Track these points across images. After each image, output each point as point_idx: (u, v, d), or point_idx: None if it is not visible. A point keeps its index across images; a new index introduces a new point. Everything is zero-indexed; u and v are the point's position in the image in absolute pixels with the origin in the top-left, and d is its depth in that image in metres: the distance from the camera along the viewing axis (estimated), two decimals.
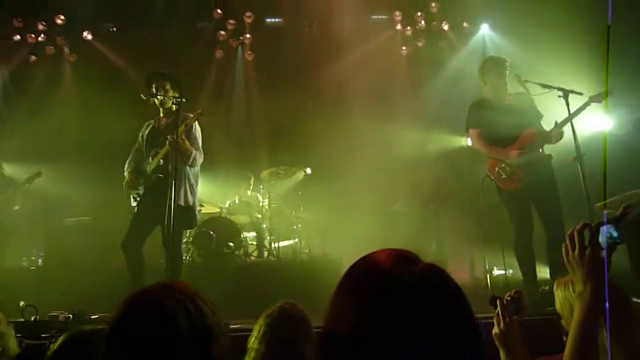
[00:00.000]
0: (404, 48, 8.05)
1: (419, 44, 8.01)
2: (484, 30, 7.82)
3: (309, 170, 6.99)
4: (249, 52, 8.08)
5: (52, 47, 7.78)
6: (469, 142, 5.76)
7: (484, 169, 4.33)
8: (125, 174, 4.41)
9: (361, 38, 7.67)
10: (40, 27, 7.68)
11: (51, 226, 6.09)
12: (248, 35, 8.02)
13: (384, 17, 8.09)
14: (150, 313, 1.21)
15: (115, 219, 5.03)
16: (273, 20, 8.12)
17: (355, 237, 6.32)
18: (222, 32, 7.96)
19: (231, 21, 7.93)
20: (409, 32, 8.02)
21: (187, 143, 4.17)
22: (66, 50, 7.88)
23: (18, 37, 7.69)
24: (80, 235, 5.81)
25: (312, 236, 6.84)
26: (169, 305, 1.22)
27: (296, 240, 6.66)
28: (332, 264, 5.79)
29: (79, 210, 6.24)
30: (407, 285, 0.88)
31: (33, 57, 7.73)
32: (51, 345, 1.58)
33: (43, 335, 2.95)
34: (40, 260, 6.08)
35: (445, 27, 7.90)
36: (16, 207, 5.34)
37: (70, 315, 3.21)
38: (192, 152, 4.20)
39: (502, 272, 5.45)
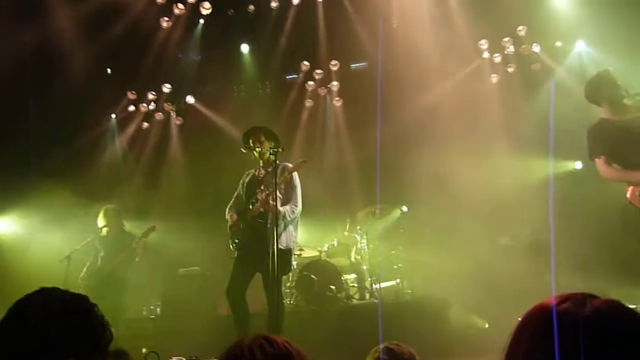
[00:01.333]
0: (493, 75, 7.84)
1: (510, 70, 7.75)
2: (580, 47, 7.40)
3: (405, 208, 6.89)
4: (337, 98, 8.34)
5: (160, 113, 8.62)
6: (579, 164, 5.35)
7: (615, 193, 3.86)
8: (228, 217, 4.67)
9: (448, 70, 7.61)
10: (150, 96, 8.57)
11: (166, 276, 6.55)
12: (335, 83, 8.30)
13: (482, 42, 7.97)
14: None
15: (222, 268, 5.29)
16: (358, 65, 8.34)
17: (460, 274, 6.06)
18: (311, 83, 8.33)
19: (318, 71, 8.28)
20: (498, 59, 7.81)
21: (272, 205, 4.24)
22: (173, 115, 8.68)
23: (132, 107, 8.63)
24: (191, 284, 6.18)
25: (414, 276, 6.65)
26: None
27: (398, 280, 6.52)
28: (437, 303, 5.58)
29: (190, 260, 6.65)
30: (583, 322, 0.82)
31: (145, 124, 8.59)
32: None
33: None
34: (158, 309, 6.52)
35: (537, 49, 7.59)
36: (137, 259, 5.83)
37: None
38: (279, 212, 4.32)
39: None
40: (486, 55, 7.81)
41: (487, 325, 5.89)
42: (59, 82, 7.26)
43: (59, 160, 7.07)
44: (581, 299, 0.86)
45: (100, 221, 5.88)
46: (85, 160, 7.62)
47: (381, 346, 2.07)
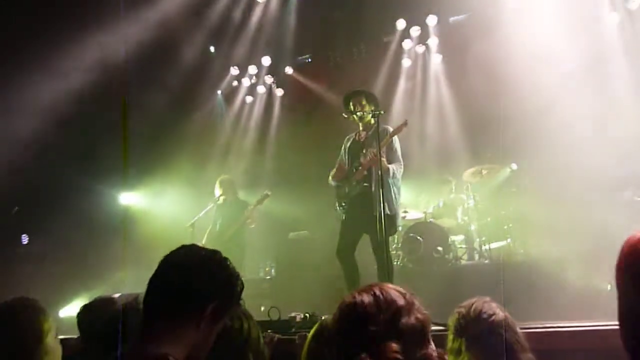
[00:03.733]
0: (614, 15, 6.99)
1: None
2: None
3: (514, 166, 6.57)
4: (437, 53, 8.04)
5: (262, 86, 8.95)
6: None
7: None
8: (332, 183, 4.80)
9: (561, 17, 6.94)
10: (251, 70, 8.91)
11: (278, 240, 6.96)
12: (433, 38, 7.99)
13: None
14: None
15: (329, 230, 5.49)
16: (457, 18, 7.93)
17: (578, 232, 5.69)
18: (408, 41, 8.10)
19: (415, 28, 8.01)
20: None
21: (385, 162, 4.30)
22: (274, 86, 8.97)
23: (235, 82, 9.05)
24: (302, 247, 6.52)
25: (527, 235, 6.37)
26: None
27: (509, 240, 6.29)
28: (553, 264, 5.32)
29: (299, 225, 6.99)
30: None
31: (250, 98, 8.99)
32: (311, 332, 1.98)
33: (288, 331, 3.43)
34: (273, 271, 6.98)
35: None
36: (252, 226, 6.25)
37: (307, 315, 3.65)
38: (389, 170, 4.36)
39: None
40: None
41: (609, 287, 5.51)
42: (169, 66, 7.83)
43: (176, 139, 7.70)
44: None
45: (217, 191, 6.36)
46: (198, 136, 8.21)
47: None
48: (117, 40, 6.25)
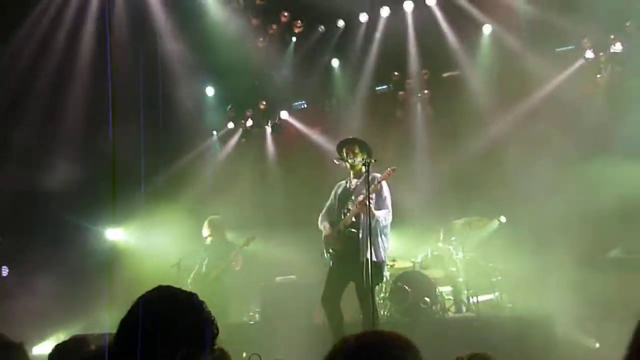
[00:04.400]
0: (598, 76, 7.30)
1: (617, 69, 7.16)
2: None
3: (503, 219, 6.62)
4: (428, 106, 8.23)
5: (257, 129, 9.07)
6: None
7: None
8: (321, 227, 4.80)
9: (546, 74, 7.24)
10: (247, 113, 9.05)
11: (264, 284, 6.84)
12: (426, 91, 8.21)
13: (569, 47, 7.51)
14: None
15: (316, 276, 5.44)
16: (450, 73, 8.18)
17: (566, 289, 5.68)
18: (401, 92, 8.31)
19: (409, 81, 8.25)
20: (602, 58, 7.26)
21: (372, 208, 4.34)
22: (268, 130, 9.09)
23: (231, 124, 9.17)
24: (289, 293, 6.40)
25: (515, 290, 6.34)
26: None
27: (497, 294, 6.25)
28: (541, 321, 5.27)
29: (286, 269, 6.90)
30: None
31: (243, 140, 9.09)
32: None
33: None
34: (257, 316, 6.83)
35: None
36: (237, 268, 6.17)
37: None
38: (376, 216, 4.38)
39: None
40: (590, 54, 7.30)
41: (597, 345, 5.45)
42: (166, 106, 7.96)
43: (168, 177, 7.72)
44: None
45: (205, 231, 6.32)
46: (191, 176, 8.23)
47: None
48: (105, 78, 6.35)
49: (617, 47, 7.12)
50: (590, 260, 5.76)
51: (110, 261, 7.15)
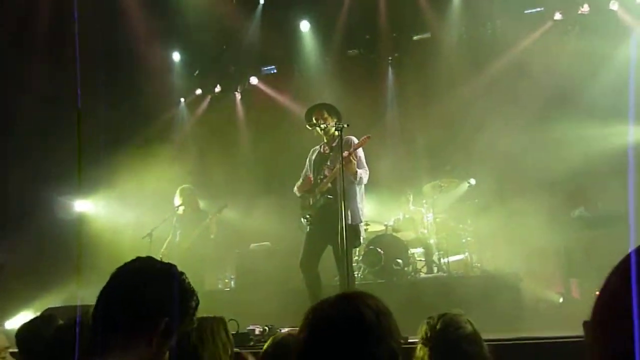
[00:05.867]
0: (565, 38, 7.38)
1: (583, 31, 7.26)
2: None
3: (473, 181, 6.75)
4: (399, 70, 8.20)
5: (226, 95, 8.89)
6: None
7: None
8: (297, 194, 4.80)
9: (515, 36, 7.27)
10: (215, 79, 8.83)
11: (239, 252, 6.86)
12: (397, 54, 8.16)
13: (538, 9, 7.55)
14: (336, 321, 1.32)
15: (291, 242, 5.47)
16: (420, 36, 8.13)
17: (532, 248, 5.90)
18: (372, 56, 8.24)
19: (380, 44, 8.16)
20: (570, 20, 7.33)
21: (353, 164, 4.38)
22: (238, 96, 8.92)
23: (199, 90, 8.96)
24: (263, 259, 6.45)
25: (484, 249, 6.55)
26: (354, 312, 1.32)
27: (467, 254, 6.44)
28: (508, 278, 5.47)
29: (260, 236, 6.92)
30: None
31: (213, 106, 8.91)
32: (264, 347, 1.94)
33: (246, 344, 3.37)
34: (233, 282, 6.88)
35: (615, 7, 7.05)
36: (212, 236, 6.15)
37: (266, 328, 3.61)
38: (357, 172, 4.43)
39: None
40: (558, 16, 7.35)
41: (561, 300, 5.71)
42: (131, 72, 7.68)
43: (136, 146, 7.52)
44: None
45: (177, 200, 6.23)
46: (159, 144, 8.05)
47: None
48: (73, 42, 6.07)
49: (585, 9, 7.20)
50: (556, 219, 5.96)
51: (81, 233, 7.02)
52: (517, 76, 6.97)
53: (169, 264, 1.56)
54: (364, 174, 4.52)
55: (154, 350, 1.41)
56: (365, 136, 4.48)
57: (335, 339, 1.27)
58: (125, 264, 1.51)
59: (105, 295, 1.45)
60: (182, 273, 1.55)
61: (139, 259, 1.54)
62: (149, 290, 1.44)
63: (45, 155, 6.84)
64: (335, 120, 4.71)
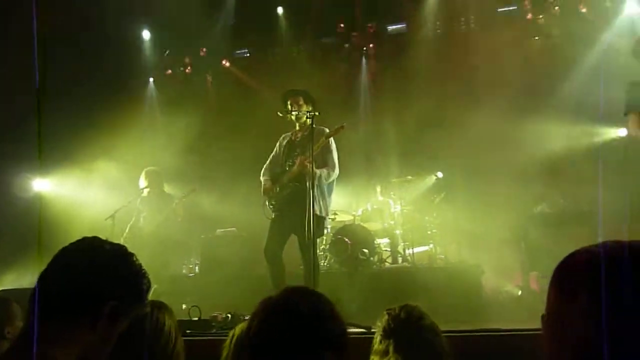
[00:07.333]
0: (536, 38, 7.54)
1: (554, 32, 7.43)
2: (631, 7, 7.00)
3: (440, 174, 6.84)
4: (373, 61, 8.21)
5: (197, 77, 8.71)
6: (624, 131, 5.16)
7: None
8: (262, 180, 4.75)
9: (488, 34, 7.37)
10: (187, 60, 8.65)
11: (204, 237, 6.77)
12: (371, 45, 8.15)
13: (512, 7, 7.67)
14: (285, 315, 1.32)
15: (257, 229, 5.42)
16: (395, 27, 8.14)
17: (494, 241, 6.03)
18: (346, 45, 8.21)
19: (354, 33, 8.14)
20: (542, 21, 7.49)
21: (309, 168, 4.26)
22: (209, 78, 8.76)
23: (169, 71, 8.75)
24: (229, 245, 6.38)
25: (448, 242, 6.66)
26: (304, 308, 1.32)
27: (431, 246, 6.54)
28: (470, 270, 5.59)
29: (226, 222, 6.84)
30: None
31: (182, 88, 8.72)
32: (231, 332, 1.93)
33: (209, 331, 3.32)
34: (197, 268, 6.79)
35: (584, 10, 7.23)
36: (179, 220, 6.04)
37: (229, 315, 3.56)
38: (317, 174, 4.37)
39: None
40: (530, 16, 7.49)
41: (519, 293, 5.88)
42: (97, 48, 7.41)
43: (100, 124, 7.28)
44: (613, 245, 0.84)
45: (142, 182, 6.08)
46: (125, 124, 7.82)
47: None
48: (30, 19, 5.79)
49: (557, 11, 7.35)
50: (519, 214, 6.11)
51: (37, 213, 6.78)
52: (488, 73, 7.06)
53: (118, 244, 1.46)
54: (329, 171, 4.48)
55: (99, 336, 1.33)
56: (339, 125, 4.45)
57: (281, 329, 1.28)
58: (70, 244, 1.41)
59: (47, 277, 1.36)
60: (132, 254, 1.45)
61: (85, 238, 1.44)
62: (93, 272, 1.35)
63: (4, 133, 6.56)
64: (309, 108, 4.66)
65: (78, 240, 1.42)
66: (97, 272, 1.36)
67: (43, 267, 1.40)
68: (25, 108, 6.18)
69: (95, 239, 1.45)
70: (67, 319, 1.31)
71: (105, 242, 1.45)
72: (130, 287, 1.41)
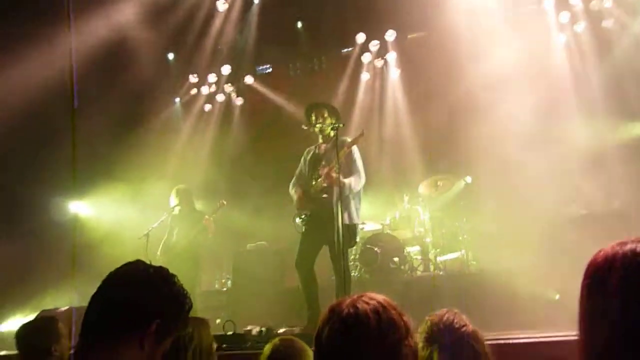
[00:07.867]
0: (560, 35, 7.40)
1: (578, 29, 7.28)
2: None
3: (469, 179, 6.76)
4: (395, 69, 8.20)
5: (221, 95, 8.87)
6: None
7: None
8: (292, 193, 4.79)
9: (510, 33, 7.26)
10: (211, 79, 8.82)
11: (235, 251, 6.84)
12: (391, 53, 8.15)
13: (532, 7, 7.56)
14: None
15: (287, 242, 5.46)
16: (415, 35, 8.13)
17: (527, 245, 5.90)
18: (367, 54, 8.23)
19: (374, 42, 8.16)
20: (564, 18, 7.35)
21: (336, 178, 4.26)
22: (233, 95, 8.90)
23: (195, 90, 8.93)
24: (259, 259, 6.44)
25: (480, 247, 6.55)
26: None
27: (462, 252, 6.45)
28: (503, 275, 5.48)
29: (257, 236, 6.91)
30: None
31: (208, 106, 8.88)
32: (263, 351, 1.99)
33: (243, 346, 3.36)
34: (229, 283, 6.86)
35: (608, 4, 7.07)
36: (210, 235, 6.13)
37: (262, 330, 3.59)
38: (345, 184, 4.38)
39: None
40: (552, 14, 7.36)
41: (557, 297, 5.72)
42: (124, 72, 7.63)
43: (131, 146, 7.48)
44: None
45: (173, 200, 6.19)
46: (154, 144, 8.02)
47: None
48: (67, 45, 6.02)
49: (579, 6, 7.21)
50: (552, 216, 5.98)
51: (76, 234, 6.98)
52: (516, 73, 6.95)
53: (159, 266, 1.58)
54: (355, 180, 4.49)
55: (147, 355, 1.41)
56: (359, 133, 4.47)
57: (354, 338, 1.29)
58: (116, 269, 1.53)
59: (96, 299, 1.48)
60: (174, 275, 1.57)
61: (129, 263, 1.57)
62: (138, 293, 1.46)
63: (40, 156, 6.80)
64: (333, 120, 4.70)
65: (123, 265, 1.54)
66: (142, 293, 1.46)
67: (79, 288, 1.50)
68: (59, 130, 6.39)
69: (138, 262, 1.56)
70: (117, 339, 1.40)
71: (148, 265, 1.56)
72: (173, 307, 1.50)
